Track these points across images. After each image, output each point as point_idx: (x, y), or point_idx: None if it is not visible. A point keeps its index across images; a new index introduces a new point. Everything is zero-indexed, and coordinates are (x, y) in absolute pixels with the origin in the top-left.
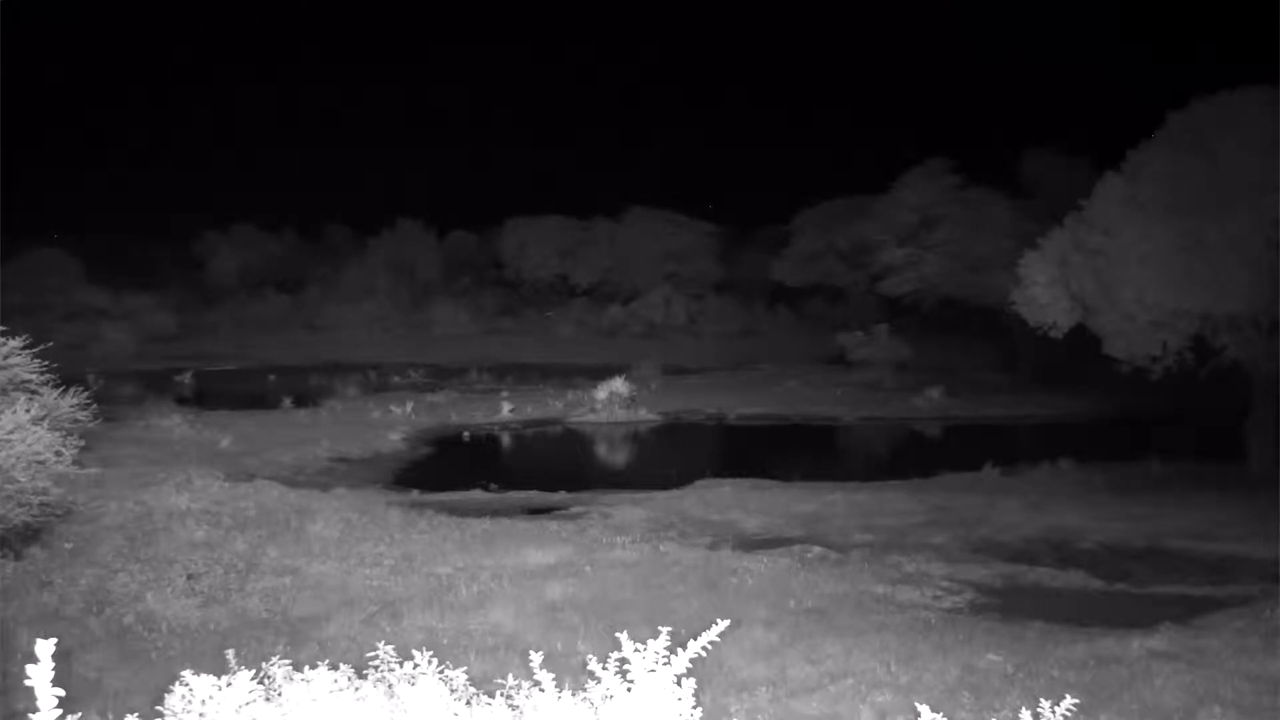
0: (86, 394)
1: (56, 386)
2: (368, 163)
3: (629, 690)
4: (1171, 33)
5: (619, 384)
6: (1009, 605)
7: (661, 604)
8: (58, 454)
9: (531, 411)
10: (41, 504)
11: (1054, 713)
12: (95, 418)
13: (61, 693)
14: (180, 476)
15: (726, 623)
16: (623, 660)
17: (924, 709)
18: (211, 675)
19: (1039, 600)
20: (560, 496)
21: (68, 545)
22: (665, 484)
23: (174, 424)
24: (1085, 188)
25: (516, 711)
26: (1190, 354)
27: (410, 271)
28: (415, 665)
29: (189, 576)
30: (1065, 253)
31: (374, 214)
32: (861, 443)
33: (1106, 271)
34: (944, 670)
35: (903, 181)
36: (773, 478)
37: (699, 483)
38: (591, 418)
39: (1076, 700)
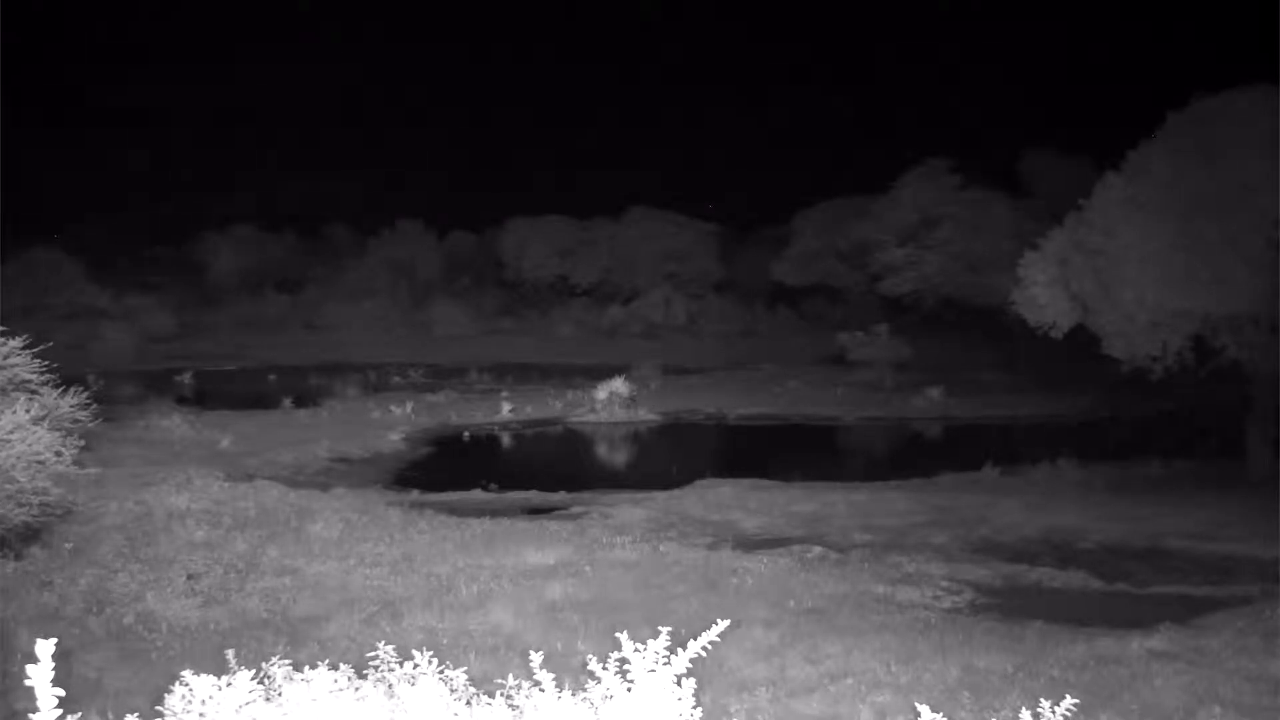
0: (86, 394)
1: (56, 386)
2: (368, 162)
3: (629, 690)
4: (1171, 32)
5: (619, 384)
6: (1009, 605)
7: (661, 604)
8: (58, 454)
9: (531, 411)
10: (41, 504)
11: (1054, 713)
12: (95, 418)
13: (61, 693)
14: (180, 476)
15: (726, 623)
16: (623, 660)
17: (924, 709)
18: (211, 675)
19: (1039, 600)
20: (560, 496)
21: (68, 545)
22: (665, 484)
23: (174, 424)
24: (1085, 188)
25: (516, 711)
26: (1190, 354)
27: (410, 271)
28: (415, 665)
29: (189, 576)
30: (1065, 253)
31: (374, 214)
32: (861, 443)
33: (1106, 271)
34: (944, 670)
35: (903, 181)
36: (773, 478)
37: (699, 483)
38: (591, 418)
39: (1076, 700)
